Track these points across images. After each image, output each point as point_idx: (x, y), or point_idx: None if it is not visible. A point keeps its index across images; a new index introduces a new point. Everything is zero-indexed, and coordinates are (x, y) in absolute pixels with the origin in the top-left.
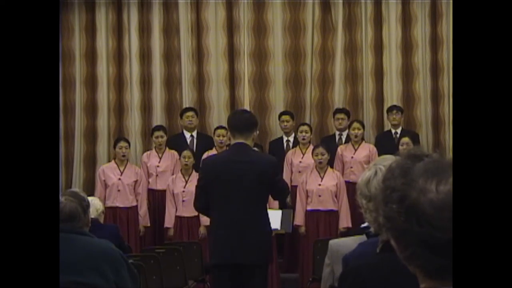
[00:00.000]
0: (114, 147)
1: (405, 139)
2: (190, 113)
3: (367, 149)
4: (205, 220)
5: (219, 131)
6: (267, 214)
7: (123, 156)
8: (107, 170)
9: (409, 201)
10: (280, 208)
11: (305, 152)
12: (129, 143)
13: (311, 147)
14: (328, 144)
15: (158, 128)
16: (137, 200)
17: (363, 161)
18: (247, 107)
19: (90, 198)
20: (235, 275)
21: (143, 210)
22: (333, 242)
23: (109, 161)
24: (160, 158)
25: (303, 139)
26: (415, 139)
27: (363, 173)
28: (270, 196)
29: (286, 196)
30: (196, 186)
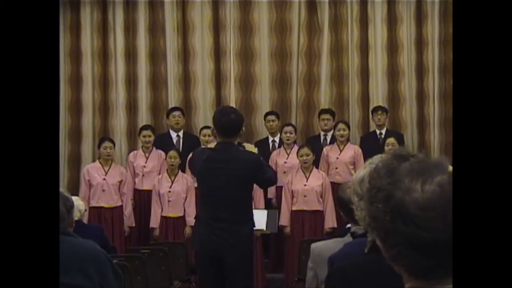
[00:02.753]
0: (99, 147)
1: (390, 140)
2: (176, 113)
3: (352, 150)
4: (191, 220)
5: (205, 131)
6: (251, 211)
7: (108, 156)
8: (92, 170)
9: (395, 200)
10: (266, 208)
11: (289, 153)
12: (114, 143)
13: (296, 147)
14: (313, 144)
15: (146, 127)
16: (122, 200)
17: (348, 162)
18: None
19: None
20: (217, 265)
21: (128, 210)
22: (315, 246)
23: (93, 161)
24: (147, 158)
25: (288, 139)
26: (400, 139)
27: (358, 171)
28: (255, 195)
29: (272, 183)
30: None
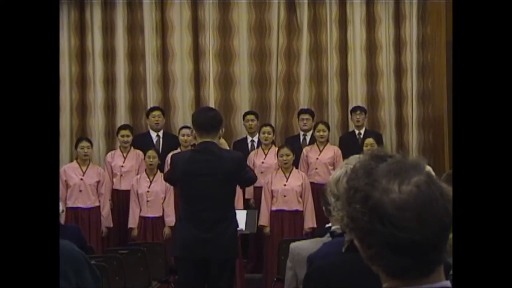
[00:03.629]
0: (76, 147)
1: (369, 140)
2: (156, 113)
3: (332, 150)
4: (170, 220)
5: (184, 131)
6: (234, 211)
7: (85, 156)
8: (69, 170)
9: (372, 201)
10: (245, 208)
11: (267, 153)
12: (91, 143)
13: (274, 148)
14: (292, 144)
15: (125, 127)
16: (99, 201)
17: (328, 163)
18: (212, 106)
19: None
20: (200, 269)
21: (105, 210)
22: (294, 246)
23: (71, 161)
24: (125, 158)
25: (265, 140)
26: (379, 139)
27: (334, 171)
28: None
29: (251, 183)
30: (169, 172)
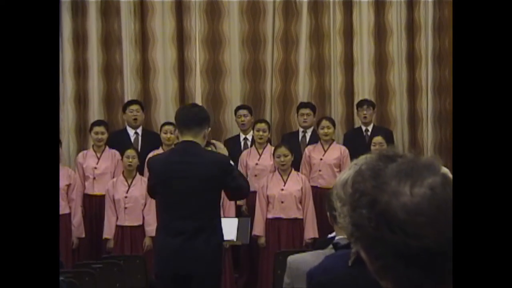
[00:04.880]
0: None
1: (378, 139)
2: (135, 107)
3: (338, 150)
4: (150, 230)
5: (166, 128)
6: (218, 220)
7: None
8: None
9: (380, 205)
10: (237, 216)
11: (261, 153)
12: (60, 141)
13: (269, 147)
14: (291, 143)
15: (99, 123)
16: (70, 207)
17: (333, 164)
18: (198, 100)
19: None
20: (181, 286)
21: (77, 218)
22: (292, 259)
23: None
24: (99, 159)
25: (260, 138)
26: (389, 137)
27: (341, 173)
28: (225, 202)
29: (244, 194)
30: (148, 179)
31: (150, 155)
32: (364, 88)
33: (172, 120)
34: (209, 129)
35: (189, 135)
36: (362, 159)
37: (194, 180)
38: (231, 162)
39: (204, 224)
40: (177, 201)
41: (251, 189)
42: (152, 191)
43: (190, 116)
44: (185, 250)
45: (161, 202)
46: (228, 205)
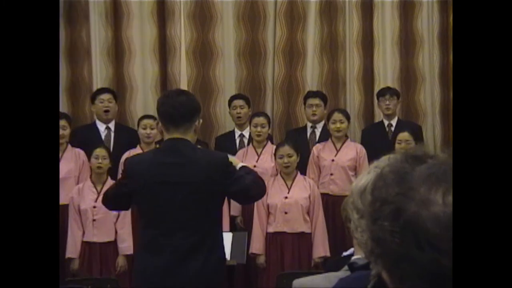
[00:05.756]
0: None
1: (404, 135)
2: (106, 96)
3: (353, 149)
4: (125, 247)
5: (145, 122)
6: (219, 234)
7: None
8: None
9: (406, 216)
10: (231, 230)
11: (260, 153)
12: None
13: (270, 145)
14: (296, 140)
15: (60, 116)
16: None
17: (348, 166)
18: (184, 87)
19: None
20: None
21: None
22: (298, 283)
23: None
24: (60, 159)
25: (258, 135)
26: (417, 134)
27: (358, 178)
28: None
29: (255, 193)
30: (118, 184)
31: (126, 155)
32: (387, 73)
33: (153, 112)
34: (201, 121)
35: (176, 131)
36: (384, 160)
37: (187, 185)
38: (231, 159)
39: (201, 241)
40: (165, 211)
41: None
42: (125, 199)
43: (176, 107)
44: (177, 273)
45: (145, 213)
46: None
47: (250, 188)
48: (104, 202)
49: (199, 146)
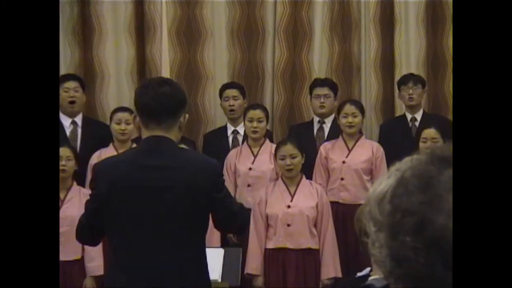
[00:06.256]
0: None
1: (430, 132)
2: (71, 84)
3: (369, 149)
4: (93, 267)
5: (120, 115)
6: (203, 253)
7: None
8: None
9: (433, 230)
10: (222, 245)
11: (257, 153)
12: None
13: (269, 144)
14: (301, 138)
15: None
16: None
17: (362, 169)
18: (166, 74)
19: None
20: None
21: None
22: None
23: None
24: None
25: (254, 131)
26: (446, 130)
27: (376, 182)
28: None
29: (243, 227)
30: (87, 201)
31: (96, 156)
32: (410, 57)
33: (129, 103)
34: (187, 116)
35: (158, 128)
36: (406, 162)
37: (173, 192)
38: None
39: (182, 259)
40: (145, 223)
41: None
42: (96, 210)
43: (158, 99)
44: None
45: (119, 226)
46: (210, 228)
47: (238, 216)
48: (76, 234)
49: (183, 146)
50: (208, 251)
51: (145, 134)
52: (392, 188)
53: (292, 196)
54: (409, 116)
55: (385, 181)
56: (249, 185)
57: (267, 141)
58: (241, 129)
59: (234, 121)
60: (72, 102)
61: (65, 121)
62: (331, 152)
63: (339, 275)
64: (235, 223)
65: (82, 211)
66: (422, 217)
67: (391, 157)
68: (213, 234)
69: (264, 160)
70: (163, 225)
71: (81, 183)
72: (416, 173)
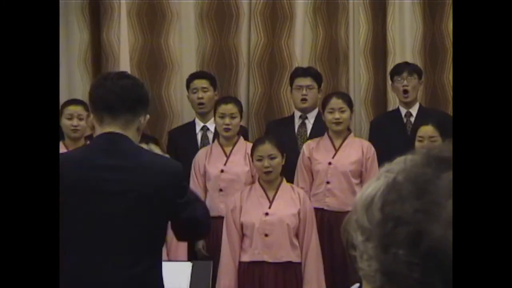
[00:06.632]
0: None
1: (427, 129)
2: None
3: (358, 148)
4: None
5: (71, 109)
6: (156, 263)
7: None
8: None
9: (429, 242)
10: (190, 258)
11: (230, 152)
12: None
13: (244, 143)
14: (281, 136)
15: None
16: None
17: (351, 172)
18: (125, 62)
19: None
20: None
21: None
22: None
23: None
24: None
25: (227, 129)
26: (445, 127)
27: (365, 185)
28: (169, 235)
29: (203, 233)
30: None
31: None
32: (405, 43)
33: (81, 96)
34: (147, 117)
35: (115, 125)
36: (398, 163)
37: (131, 197)
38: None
39: (137, 271)
40: (97, 231)
41: (215, 213)
42: None
43: (116, 92)
44: None
45: (65, 234)
46: (175, 239)
47: (201, 222)
48: None
49: (144, 145)
50: (174, 265)
51: (99, 130)
52: (383, 192)
53: (271, 202)
54: (403, 111)
55: (373, 184)
56: (221, 190)
57: (242, 139)
58: (211, 126)
59: (204, 116)
60: None
61: None
62: (316, 152)
63: None
64: (199, 231)
65: None
66: (417, 227)
67: (383, 158)
68: (178, 246)
69: (238, 161)
70: (115, 236)
71: None
72: (410, 177)
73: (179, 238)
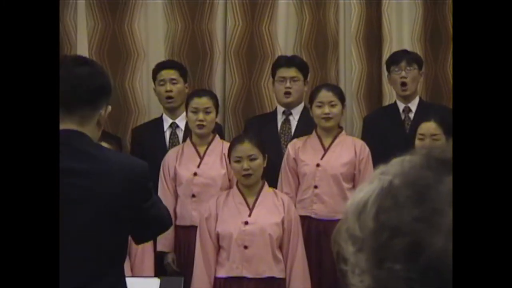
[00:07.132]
0: None
1: (428, 126)
2: None
3: (350, 148)
4: None
5: None
6: (119, 278)
7: None
8: None
9: (429, 255)
10: (158, 274)
11: (204, 153)
12: None
13: (220, 142)
14: (262, 134)
15: None
16: None
17: (342, 175)
18: (83, 49)
19: None
20: None
21: None
22: None
23: None
24: None
25: (200, 126)
26: (450, 124)
27: (357, 189)
28: (132, 246)
29: (159, 231)
30: None
31: None
32: (402, 29)
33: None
34: (109, 108)
35: (69, 121)
36: (395, 165)
37: (91, 205)
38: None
39: (97, 285)
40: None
41: (187, 222)
42: None
43: (72, 82)
44: None
45: None
46: (141, 252)
47: (166, 220)
48: None
49: (104, 144)
50: (139, 281)
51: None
52: (377, 198)
53: (251, 210)
54: (401, 106)
55: (366, 188)
56: (193, 195)
57: (217, 138)
58: (181, 122)
59: (172, 112)
60: None
61: None
62: (302, 153)
63: None
64: (158, 231)
65: None
66: (416, 238)
67: (379, 159)
68: (143, 259)
69: (213, 162)
70: (76, 246)
71: None
72: (408, 181)
73: (138, 241)
